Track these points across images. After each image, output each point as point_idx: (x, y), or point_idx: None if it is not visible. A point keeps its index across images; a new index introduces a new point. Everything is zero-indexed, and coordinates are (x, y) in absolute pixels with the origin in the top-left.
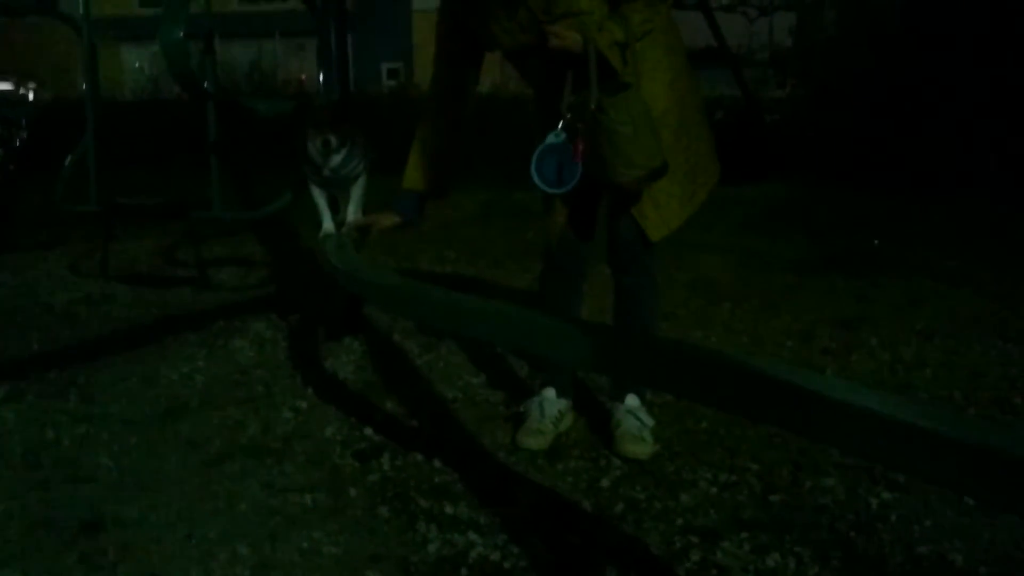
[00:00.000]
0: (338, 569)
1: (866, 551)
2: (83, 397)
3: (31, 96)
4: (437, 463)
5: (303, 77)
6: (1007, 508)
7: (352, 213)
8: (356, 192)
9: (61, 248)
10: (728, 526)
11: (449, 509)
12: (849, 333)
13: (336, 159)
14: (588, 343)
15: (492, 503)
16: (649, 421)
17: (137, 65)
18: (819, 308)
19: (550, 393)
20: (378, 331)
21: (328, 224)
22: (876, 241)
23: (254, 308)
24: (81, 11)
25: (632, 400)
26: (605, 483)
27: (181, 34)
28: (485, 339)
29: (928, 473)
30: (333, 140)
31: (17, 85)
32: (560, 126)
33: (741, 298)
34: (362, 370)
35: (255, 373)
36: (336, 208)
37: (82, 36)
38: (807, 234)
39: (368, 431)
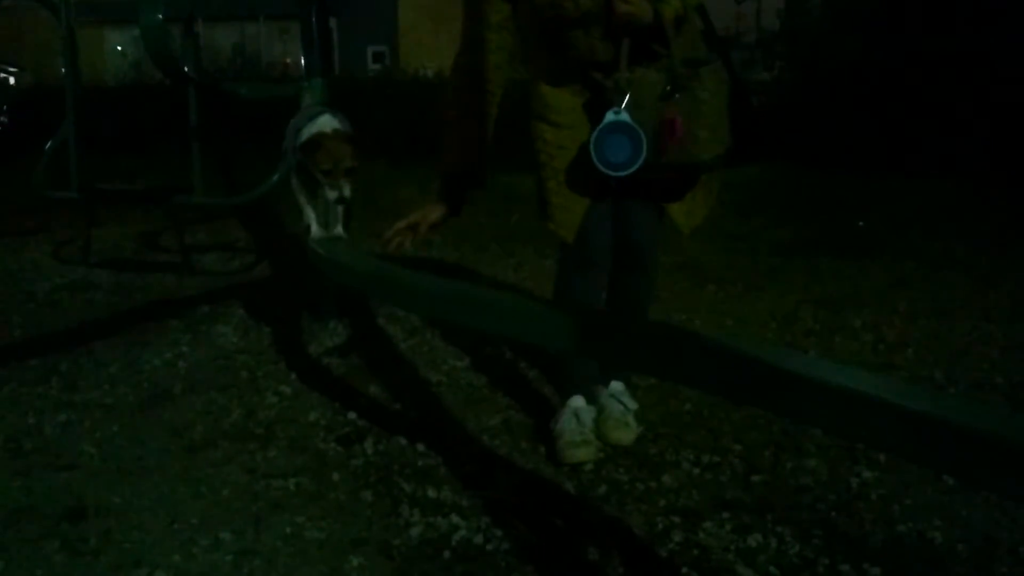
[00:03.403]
0: (321, 554)
1: (847, 530)
2: (65, 384)
3: (12, 81)
4: (420, 447)
5: (287, 60)
6: (986, 486)
7: (340, 221)
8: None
9: (43, 235)
10: (710, 507)
11: (432, 493)
12: (833, 314)
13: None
14: (575, 328)
15: (475, 486)
16: (632, 405)
17: (119, 49)
18: (803, 290)
19: (580, 402)
20: (362, 315)
21: (317, 228)
22: (861, 223)
23: (238, 294)
24: None
25: (616, 385)
26: (588, 465)
27: (161, 17)
28: (478, 328)
29: (909, 452)
30: (348, 193)
31: None
32: (625, 103)
33: (726, 280)
34: (346, 354)
35: (238, 359)
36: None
37: (61, 19)
38: (792, 216)
39: (352, 416)
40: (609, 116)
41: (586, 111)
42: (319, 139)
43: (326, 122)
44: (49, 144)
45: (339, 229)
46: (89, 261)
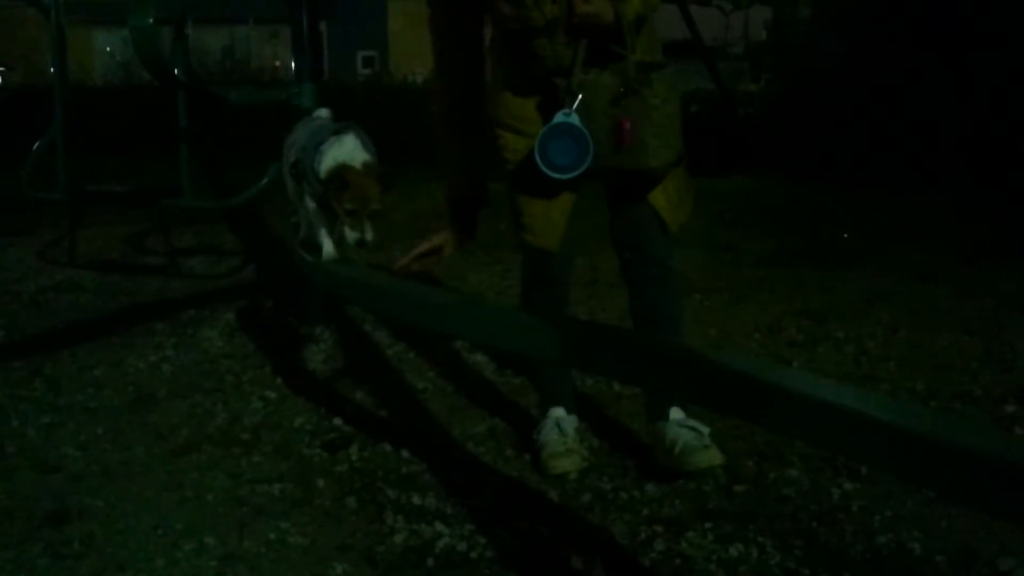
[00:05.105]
0: (305, 559)
1: (827, 541)
2: (49, 386)
3: None
4: (405, 453)
5: (277, 64)
6: (964, 500)
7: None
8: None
9: (29, 235)
10: (693, 516)
11: (417, 500)
12: (816, 326)
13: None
14: (561, 337)
15: (460, 494)
16: (704, 429)
17: (108, 49)
18: (787, 301)
19: (560, 412)
20: (348, 321)
21: (330, 247)
22: (845, 235)
23: (224, 297)
24: None
25: (677, 413)
26: (572, 474)
27: (151, 19)
28: (462, 337)
29: (889, 465)
30: (371, 236)
31: None
32: (576, 105)
33: (710, 290)
34: (332, 360)
35: (224, 363)
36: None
37: (50, 19)
38: (777, 227)
39: (337, 421)
40: (558, 117)
41: (541, 113)
42: (347, 175)
43: (353, 150)
44: (36, 144)
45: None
46: (75, 262)
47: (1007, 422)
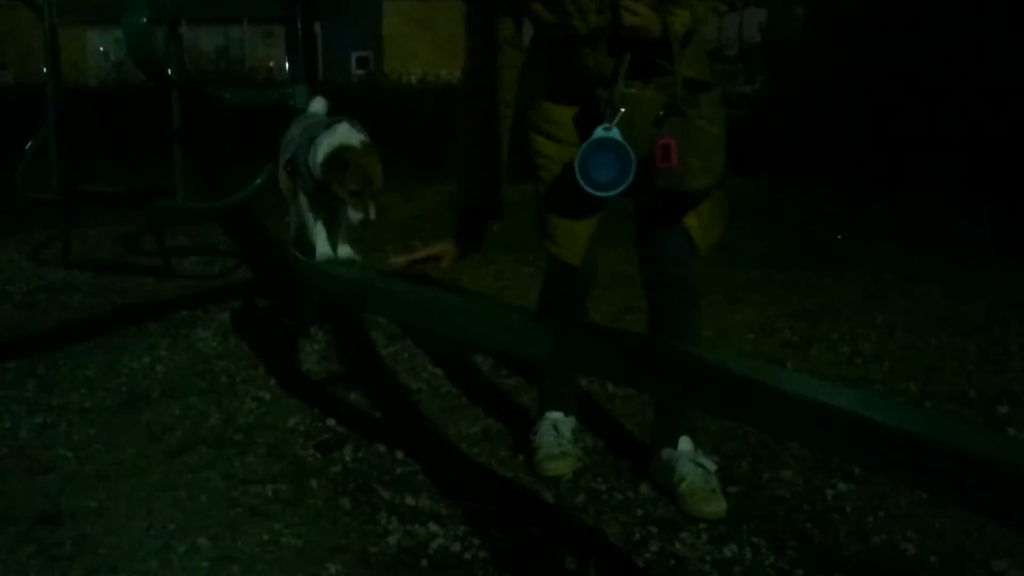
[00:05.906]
0: (298, 560)
1: (821, 541)
2: (42, 387)
3: None
4: (399, 454)
5: (272, 64)
6: (957, 502)
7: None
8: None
9: (21, 235)
10: (687, 517)
11: (411, 500)
12: (810, 327)
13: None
14: (555, 339)
15: (454, 495)
16: (712, 466)
17: (101, 50)
18: (781, 302)
19: (558, 415)
20: (343, 321)
21: (324, 247)
22: (839, 236)
23: (218, 297)
24: None
25: (686, 444)
26: (567, 475)
27: (145, 19)
28: (457, 337)
29: (882, 466)
30: (374, 214)
31: None
32: (618, 119)
33: (705, 291)
34: (326, 361)
35: (218, 363)
36: (331, 225)
37: (43, 19)
38: (771, 228)
39: (331, 422)
40: (598, 132)
41: (579, 124)
42: (347, 155)
43: (348, 134)
44: (29, 144)
45: (347, 250)
46: (68, 263)
47: (1001, 423)
